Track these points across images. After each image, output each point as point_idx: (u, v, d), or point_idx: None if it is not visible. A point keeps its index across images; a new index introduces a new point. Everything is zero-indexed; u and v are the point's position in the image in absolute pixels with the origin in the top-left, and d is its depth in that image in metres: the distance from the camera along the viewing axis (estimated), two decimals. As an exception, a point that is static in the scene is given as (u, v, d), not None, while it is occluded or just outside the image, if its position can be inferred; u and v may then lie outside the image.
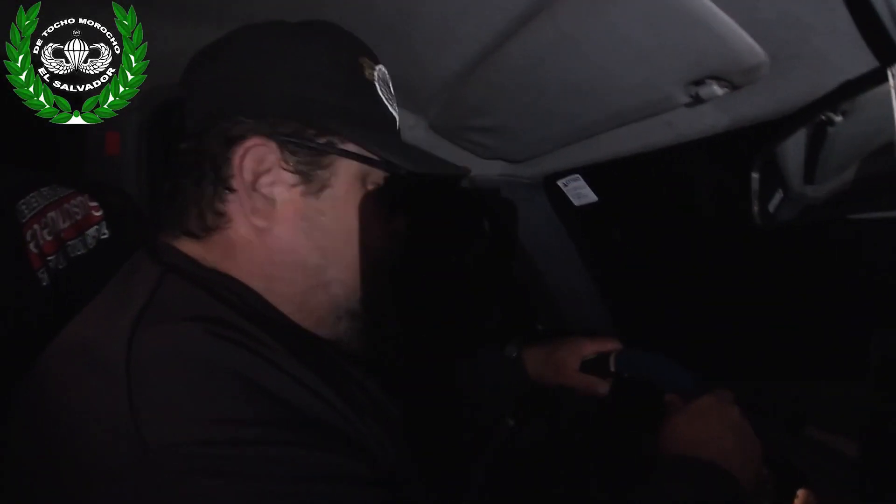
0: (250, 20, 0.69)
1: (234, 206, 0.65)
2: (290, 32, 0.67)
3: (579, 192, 1.30)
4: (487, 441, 1.25)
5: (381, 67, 0.70)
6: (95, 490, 0.49)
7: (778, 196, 0.83)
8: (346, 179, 0.66)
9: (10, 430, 0.56)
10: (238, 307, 0.61)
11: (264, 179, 0.64)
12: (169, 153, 0.69)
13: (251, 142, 0.62)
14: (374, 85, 0.68)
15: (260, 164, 0.63)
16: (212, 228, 0.65)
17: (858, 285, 1.11)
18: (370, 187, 0.69)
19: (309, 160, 0.64)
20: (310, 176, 0.65)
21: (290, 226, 0.65)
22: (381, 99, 0.69)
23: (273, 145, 0.63)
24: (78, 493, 0.49)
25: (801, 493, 0.95)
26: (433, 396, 1.09)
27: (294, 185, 0.65)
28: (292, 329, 0.67)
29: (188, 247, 0.66)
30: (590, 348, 1.08)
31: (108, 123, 1.33)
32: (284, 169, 0.64)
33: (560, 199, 1.35)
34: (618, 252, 1.57)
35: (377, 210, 0.70)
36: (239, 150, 0.62)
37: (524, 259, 1.49)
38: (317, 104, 0.64)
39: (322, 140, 0.65)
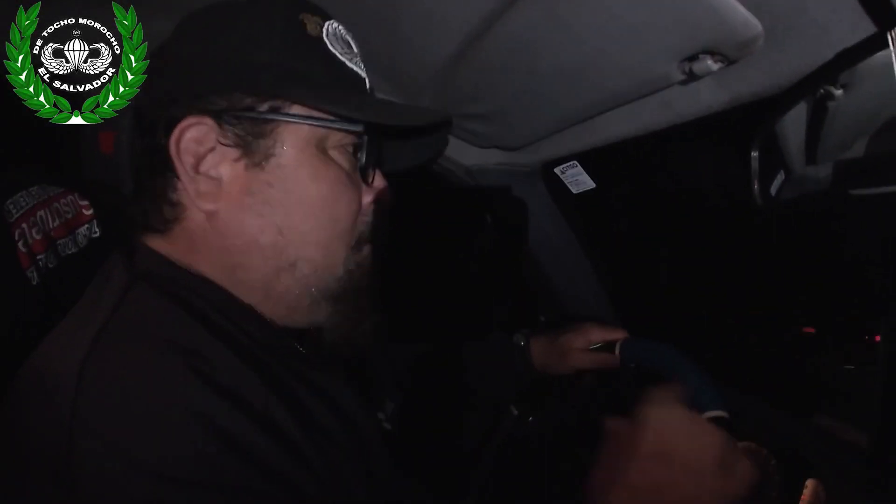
0: None
1: (183, 193, 0.62)
2: (225, 8, 0.64)
3: (577, 178, 1.28)
4: (492, 431, 1.23)
5: (332, 23, 0.65)
6: None
7: (779, 176, 0.80)
8: (295, 145, 0.62)
9: None
10: (202, 316, 0.58)
11: (209, 160, 0.61)
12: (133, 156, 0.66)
13: (185, 122, 0.60)
14: (323, 40, 0.63)
15: (200, 143, 0.60)
16: (170, 220, 0.63)
17: (867, 270, 1.08)
18: (334, 152, 0.64)
19: (250, 130, 0.60)
20: (251, 147, 0.61)
21: (237, 204, 0.61)
22: (334, 54, 0.64)
23: (209, 121, 0.60)
24: None
25: (809, 483, 0.93)
26: (433, 390, 1.08)
27: (237, 160, 0.61)
28: (259, 334, 0.63)
29: (157, 243, 0.64)
30: (598, 335, 1.05)
31: (101, 122, 1.33)
32: (225, 145, 0.60)
33: (558, 186, 1.33)
34: (618, 238, 1.55)
35: (346, 177, 0.65)
36: (174, 133, 0.60)
37: (524, 249, 1.47)
38: (252, 71, 0.60)
39: (263, 107, 0.61)
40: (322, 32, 0.64)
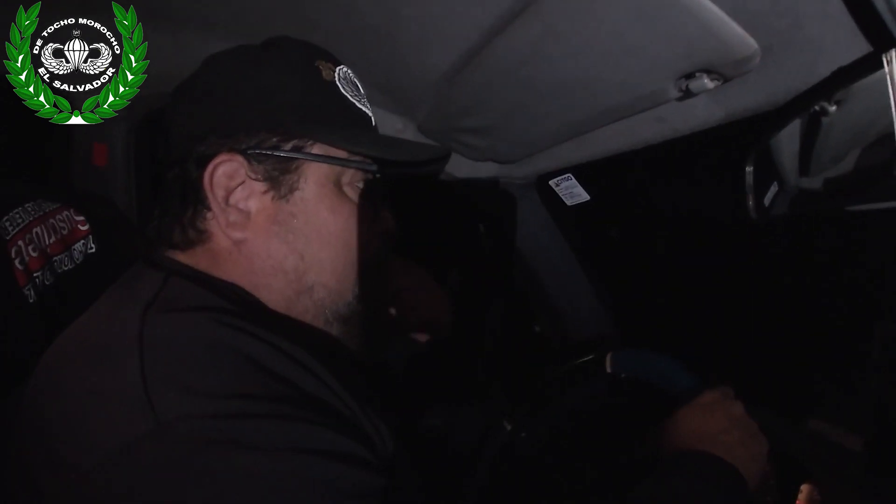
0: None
1: (212, 222, 0.67)
2: (248, 53, 0.70)
3: (571, 191, 1.29)
4: (484, 446, 1.24)
5: (342, 68, 0.72)
6: (110, 465, 0.49)
7: (773, 189, 0.82)
8: (317, 181, 0.67)
9: (10, 438, 0.57)
10: (239, 303, 0.64)
11: (238, 193, 0.66)
12: (156, 183, 0.71)
13: (218, 158, 0.64)
14: (336, 84, 0.69)
15: (231, 178, 0.65)
16: (195, 242, 0.68)
17: (859, 277, 1.10)
18: (348, 188, 0.70)
19: (276, 167, 0.66)
20: (278, 181, 0.66)
21: (263, 232, 0.67)
22: (346, 97, 0.70)
23: (240, 158, 0.65)
24: (92, 472, 0.49)
25: (804, 487, 0.94)
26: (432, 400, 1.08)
27: (265, 192, 0.66)
28: (295, 326, 0.68)
29: (179, 256, 0.68)
30: None
31: (95, 134, 1.32)
32: (254, 179, 0.66)
33: (553, 199, 1.34)
34: (612, 250, 1.57)
35: (358, 210, 0.70)
36: (208, 168, 0.64)
37: (519, 260, 1.48)
38: (278, 112, 0.66)
39: (288, 146, 0.66)
40: (335, 77, 0.70)
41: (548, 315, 1.52)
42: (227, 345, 0.56)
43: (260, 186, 0.66)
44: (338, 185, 0.69)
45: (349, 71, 0.73)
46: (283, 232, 0.67)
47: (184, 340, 0.55)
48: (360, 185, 0.71)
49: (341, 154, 0.68)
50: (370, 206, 0.72)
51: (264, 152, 0.65)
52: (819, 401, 1.05)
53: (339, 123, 0.69)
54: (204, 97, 0.68)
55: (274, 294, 0.68)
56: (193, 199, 0.66)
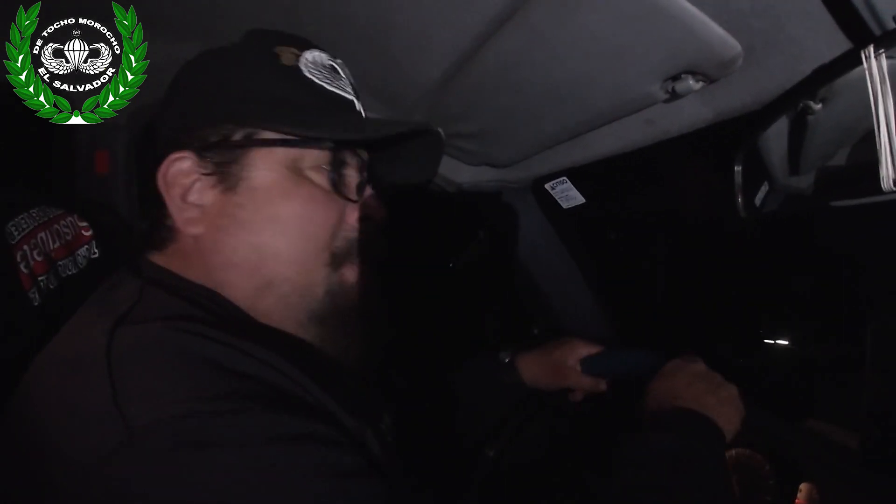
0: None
1: (174, 219, 0.67)
2: (214, 52, 0.70)
3: (567, 194, 1.29)
4: (470, 474, 1.23)
5: (312, 52, 0.70)
6: (87, 478, 0.49)
7: (761, 187, 0.82)
8: (268, 167, 0.65)
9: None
10: (211, 311, 0.63)
11: (195, 189, 0.66)
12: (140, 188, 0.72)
13: (170, 158, 0.65)
14: (298, 68, 0.68)
15: (186, 176, 0.65)
16: (167, 240, 0.68)
17: (853, 274, 1.10)
18: (311, 172, 0.67)
19: (223, 159, 0.65)
20: (225, 173, 0.65)
21: (214, 226, 0.66)
22: (311, 80, 0.68)
23: (191, 155, 0.65)
24: (68, 487, 0.49)
25: (804, 486, 0.94)
26: (426, 406, 1.08)
27: (214, 186, 0.66)
28: (265, 328, 0.66)
29: (157, 258, 0.69)
30: (584, 349, 1.07)
31: (97, 142, 1.34)
32: (205, 174, 0.65)
33: (548, 202, 1.35)
34: (609, 252, 1.57)
35: (319, 194, 0.67)
36: (161, 168, 0.65)
37: (517, 263, 1.48)
38: (228, 103, 0.66)
39: (238, 136, 0.65)
40: (298, 61, 0.68)
41: (546, 318, 1.53)
42: (192, 351, 0.55)
43: (210, 180, 0.65)
44: (295, 169, 0.66)
45: (322, 54, 0.71)
46: (231, 224, 0.65)
47: (150, 351, 0.55)
48: (328, 168, 0.68)
49: (291, 138, 0.66)
50: (345, 190, 0.69)
51: (213, 145, 0.65)
52: (816, 400, 1.05)
53: (294, 106, 0.66)
54: (172, 98, 0.70)
55: (235, 291, 0.65)
56: (156, 197, 0.66)
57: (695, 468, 0.73)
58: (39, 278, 0.98)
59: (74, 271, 1.07)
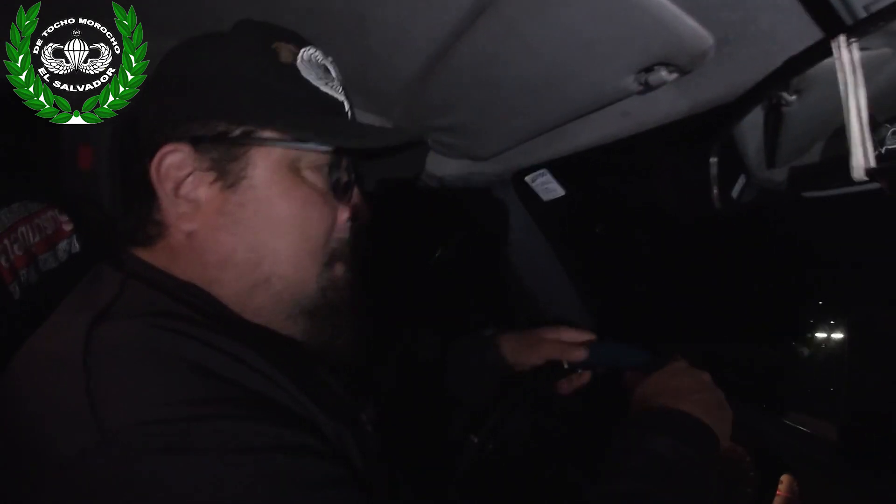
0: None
1: (166, 215, 0.65)
2: (204, 41, 0.68)
3: (547, 186, 1.29)
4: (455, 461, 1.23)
5: (308, 50, 0.68)
6: (57, 478, 0.49)
7: (738, 180, 0.82)
8: (267, 166, 0.64)
9: None
10: (193, 306, 0.62)
11: (188, 183, 0.64)
12: (125, 180, 0.69)
13: (164, 149, 0.63)
14: (296, 67, 0.66)
15: (179, 169, 0.63)
16: (154, 237, 0.66)
17: (833, 264, 1.10)
18: (309, 173, 0.67)
19: (223, 155, 0.63)
20: (225, 169, 0.64)
21: (212, 224, 0.64)
22: (307, 80, 0.67)
23: (186, 148, 0.63)
24: (41, 484, 0.49)
25: (784, 479, 0.94)
26: (410, 392, 1.08)
27: (213, 182, 0.64)
28: (248, 326, 0.66)
29: (142, 253, 0.67)
30: (570, 335, 1.06)
31: (80, 137, 1.33)
32: (201, 169, 0.63)
33: (529, 195, 1.34)
34: (590, 244, 1.57)
35: (316, 195, 0.67)
36: (155, 160, 0.63)
37: (498, 257, 1.48)
38: (225, 98, 0.64)
39: (236, 132, 0.64)
40: (295, 59, 0.66)
41: (529, 310, 1.52)
42: (170, 351, 0.54)
43: (207, 176, 0.64)
44: (293, 169, 0.66)
45: (317, 53, 0.69)
46: (231, 223, 0.64)
47: (127, 350, 0.54)
48: (326, 169, 0.68)
49: (292, 139, 0.65)
50: (338, 192, 0.69)
51: (211, 139, 0.63)
52: (795, 392, 1.06)
53: (294, 108, 0.66)
54: (158, 88, 0.67)
55: (226, 289, 0.65)
56: (146, 190, 0.64)
57: (690, 477, 0.72)
58: (20, 272, 0.98)
59: (55, 265, 1.06)
